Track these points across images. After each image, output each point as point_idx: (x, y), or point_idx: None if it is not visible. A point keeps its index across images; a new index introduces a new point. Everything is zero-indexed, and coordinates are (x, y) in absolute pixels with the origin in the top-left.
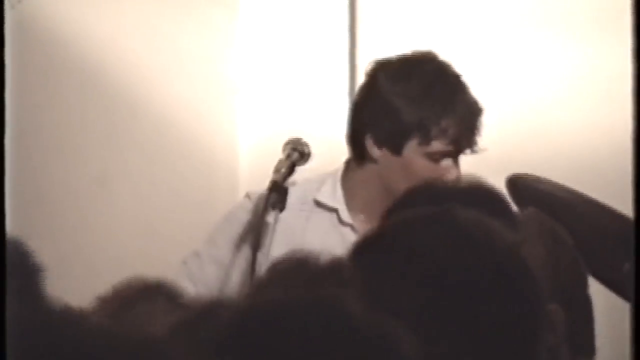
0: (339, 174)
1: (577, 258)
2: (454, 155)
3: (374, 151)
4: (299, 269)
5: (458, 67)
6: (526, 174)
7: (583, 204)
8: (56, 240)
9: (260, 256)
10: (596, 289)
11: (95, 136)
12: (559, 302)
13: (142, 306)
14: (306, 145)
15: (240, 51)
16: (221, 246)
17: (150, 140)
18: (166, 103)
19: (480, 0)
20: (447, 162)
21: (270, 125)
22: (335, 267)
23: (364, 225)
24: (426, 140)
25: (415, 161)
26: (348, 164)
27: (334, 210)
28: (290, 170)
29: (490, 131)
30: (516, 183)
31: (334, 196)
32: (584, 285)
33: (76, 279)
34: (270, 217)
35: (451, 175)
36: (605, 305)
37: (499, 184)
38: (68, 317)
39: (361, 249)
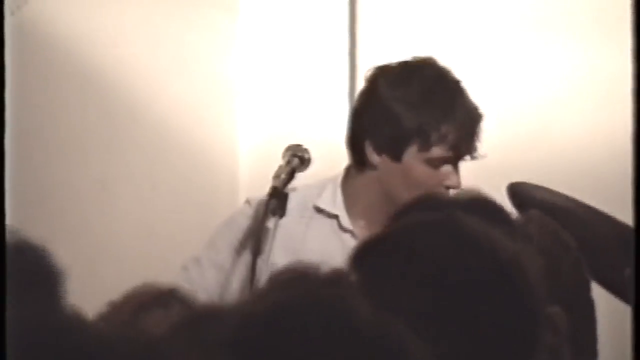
0: (339, 180)
1: (579, 260)
2: (454, 161)
3: (374, 157)
4: (299, 280)
5: (458, 72)
6: (526, 182)
7: (583, 211)
8: (57, 242)
9: (261, 262)
10: (597, 292)
11: (96, 139)
12: (562, 305)
13: (156, 312)
14: (306, 151)
15: (241, 55)
16: (221, 252)
17: (151, 143)
18: (167, 106)
19: (480, 5)
20: (446, 168)
21: (270, 129)
22: (335, 277)
23: (364, 232)
24: (426, 146)
25: (415, 167)
26: (348, 170)
27: (335, 217)
28: (290, 176)
29: (490, 136)
30: (516, 190)
31: (334, 202)
32: (587, 288)
33: (77, 281)
34: (271, 223)
35: (451, 182)
36: (607, 307)
37: (499, 189)
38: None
39: (362, 253)
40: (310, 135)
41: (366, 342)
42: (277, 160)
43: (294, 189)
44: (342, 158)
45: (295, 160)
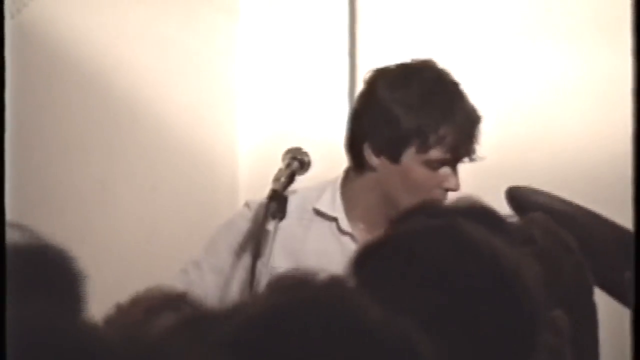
0: (338, 182)
1: (582, 263)
2: (452, 163)
3: (373, 159)
4: (298, 285)
5: (457, 74)
6: (524, 186)
7: (581, 214)
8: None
9: (260, 265)
10: (597, 295)
11: (97, 140)
12: (563, 307)
13: (166, 316)
14: (306, 154)
15: (241, 56)
16: (221, 255)
17: (152, 144)
18: (167, 107)
19: (480, 7)
20: (445, 170)
21: (270, 130)
22: (333, 282)
23: (363, 234)
24: (424, 148)
25: (413, 169)
26: (347, 172)
27: (334, 219)
28: (290, 179)
29: (490, 138)
30: (515, 194)
31: (334, 205)
32: (589, 290)
33: None
34: (270, 226)
35: (449, 184)
36: (606, 310)
37: (499, 191)
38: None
39: (363, 257)
40: (310, 137)
41: (379, 341)
42: (277, 162)
43: (293, 192)
44: (342, 160)
45: (295, 164)
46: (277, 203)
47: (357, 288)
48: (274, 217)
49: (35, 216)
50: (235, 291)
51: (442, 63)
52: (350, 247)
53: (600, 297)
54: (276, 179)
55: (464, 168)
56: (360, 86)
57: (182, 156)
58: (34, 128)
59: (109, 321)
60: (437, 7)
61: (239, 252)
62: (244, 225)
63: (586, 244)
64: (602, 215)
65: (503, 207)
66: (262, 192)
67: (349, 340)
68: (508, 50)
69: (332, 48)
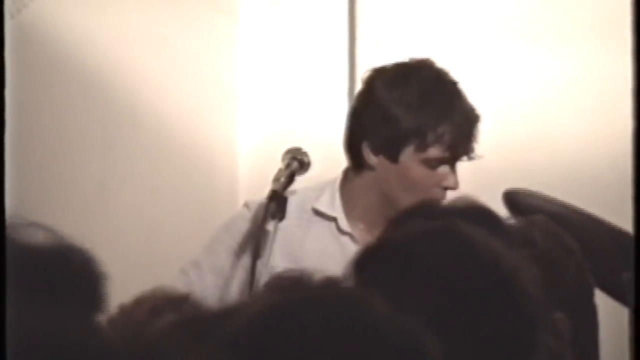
0: (338, 182)
1: (582, 265)
2: (451, 162)
3: (371, 158)
4: (295, 285)
5: (457, 73)
6: (521, 190)
7: (577, 217)
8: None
9: (260, 265)
10: (596, 295)
11: (96, 140)
12: (564, 309)
13: (170, 316)
14: (306, 154)
15: (241, 57)
16: (221, 255)
17: (152, 145)
18: (167, 108)
19: (480, 6)
20: (444, 169)
21: (270, 131)
22: (329, 284)
23: (362, 234)
24: (422, 146)
25: (412, 168)
26: (346, 172)
27: (333, 219)
28: (290, 179)
29: (489, 138)
30: (511, 198)
31: (333, 205)
32: (590, 292)
33: None
34: (270, 226)
35: (448, 182)
36: (605, 310)
37: (497, 192)
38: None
39: (363, 260)
40: (309, 138)
41: (387, 341)
42: (276, 162)
43: (293, 192)
44: (341, 161)
45: (295, 164)
46: (276, 203)
47: (355, 287)
48: (273, 218)
49: (35, 216)
50: (234, 291)
51: (441, 63)
52: (350, 247)
53: (599, 298)
54: (276, 179)
55: (464, 168)
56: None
57: (182, 156)
58: (34, 128)
59: (112, 321)
60: (436, 7)
61: (239, 253)
62: (243, 226)
63: (584, 246)
64: (598, 216)
65: (502, 208)
66: (262, 192)
67: (349, 339)
68: (507, 50)
69: (331, 48)
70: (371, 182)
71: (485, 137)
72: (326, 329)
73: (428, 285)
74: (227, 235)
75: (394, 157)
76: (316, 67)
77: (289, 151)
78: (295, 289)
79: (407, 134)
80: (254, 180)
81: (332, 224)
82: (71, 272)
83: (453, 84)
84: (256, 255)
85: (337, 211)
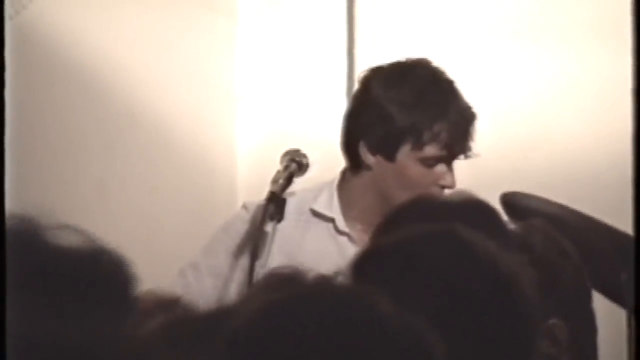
0: (336, 183)
1: (581, 270)
2: (448, 160)
3: (368, 158)
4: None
5: (456, 73)
6: (518, 192)
7: (575, 218)
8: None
9: (258, 266)
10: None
11: (95, 142)
12: (562, 314)
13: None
14: (304, 156)
15: (240, 58)
16: (219, 257)
17: (150, 146)
18: (167, 109)
19: (478, 6)
20: (441, 168)
21: (269, 132)
22: (323, 283)
23: (360, 235)
24: (419, 145)
25: (409, 167)
26: (344, 173)
27: (331, 220)
28: (288, 181)
29: (489, 138)
30: (509, 200)
31: (331, 205)
32: (588, 297)
33: None
34: (269, 228)
35: (445, 181)
36: (603, 311)
37: (497, 193)
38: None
39: (361, 263)
40: (308, 139)
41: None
42: (275, 164)
43: (291, 194)
44: (340, 162)
45: (293, 165)
46: (275, 205)
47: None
48: (272, 219)
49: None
50: (233, 293)
51: (441, 63)
52: (348, 248)
53: (597, 299)
54: (274, 181)
55: (463, 169)
56: None
57: (181, 157)
58: (35, 129)
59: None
60: (435, 7)
61: (237, 254)
62: (241, 227)
63: (582, 248)
64: (595, 218)
65: (501, 210)
66: (261, 193)
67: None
68: (507, 50)
69: (330, 50)
70: (369, 182)
71: (484, 138)
72: (325, 326)
73: (426, 288)
74: (225, 237)
75: (390, 156)
76: (315, 69)
77: (287, 153)
78: (291, 286)
79: (402, 132)
80: (252, 182)
81: (330, 225)
82: (102, 275)
83: (449, 83)
84: (254, 257)
85: (335, 212)
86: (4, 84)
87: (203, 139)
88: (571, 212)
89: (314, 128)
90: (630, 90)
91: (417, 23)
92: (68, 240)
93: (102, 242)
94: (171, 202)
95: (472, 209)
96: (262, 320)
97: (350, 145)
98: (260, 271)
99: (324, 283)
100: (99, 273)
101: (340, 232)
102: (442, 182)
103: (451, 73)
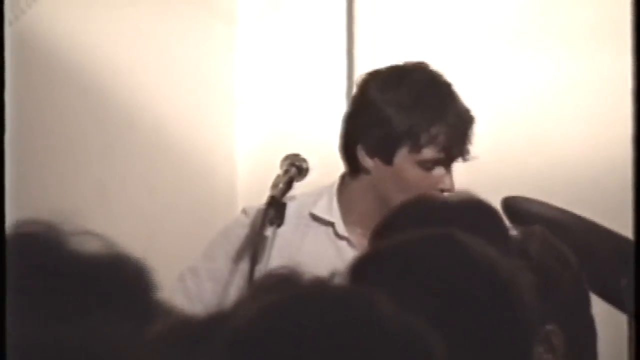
0: (335, 187)
1: (580, 277)
2: (446, 163)
3: (366, 161)
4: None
5: (455, 77)
6: (519, 196)
7: (576, 223)
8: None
9: (258, 271)
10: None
11: (94, 145)
12: (560, 322)
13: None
14: (304, 160)
15: (239, 62)
16: (219, 262)
17: (150, 150)
18: (166, 112)
19: (478, 10)
20: (439, 171)
21: (268, 136)
22: (321, 284)
23: (360, 239)
24: (416, 147)
25: (407, 170)
26: (343, 177)
27: (330, 224)
28: (288, 186)
29: (488, 143)
30: (510, 204)
31: (330, 210)
32: (587, 304)
33: None
34: (268, 232)
35: (444, 184)
36: (602, 317)
37: (496, 197)
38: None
39: (359, 267)
40: (308, 144)
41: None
42: (275, 168)
43: (291, 198)
44: (340, 166)
45: (293, 170)
46: (275, 209)
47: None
48: (272, 224)
49: (35, 217)
50: (233, 298)
51: (440, 66)
52: (347, 252)
53: (598, 304)
54: (274, 186)
55: (463, 173)
56: None
57: (181, 161)
58: (34, 131)
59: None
60: (435, 10)
61: (237, 259)
62: (241, 232)
63: (582, 252)
64: (597, 222)
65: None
66: (260, 198)
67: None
68: (506, 51)
69: (330, 54)
70: (368, 185)
71: (483, 140)
72: (324, 326)
73: (423, 293)
74: (225, 241)
75: (388, 159)
76: (314, 73)
77: (287, 157)
78: (289, 286)
79: (400, 135)
80: (252, 187)
81: (330, 229)
82: (124, 281)
83: (447, 86)
84: (254, 261)
85: (335, 216)
86: (4, 85)
87: (203, 143)
88: (572, 216)
89: (313, 132)
90: (630, 92)
91: (416, 27)
92: (90, 246)
93: (123, 249)
94: (171, 205)
95: (473, 209)
96: (262, 321)
97: (348, 148)
98: (259, 276)
99: (322, 283)
100: (120, 279)
101: (340, 237)
102: (441, 186)
103: (451, 75)
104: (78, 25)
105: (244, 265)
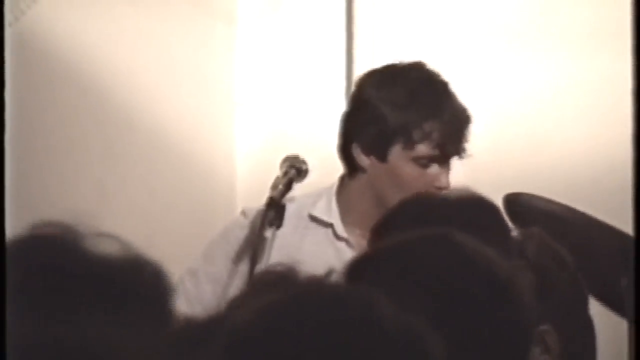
0: (334, 188)
1: (577, 279)
2: (441, 160)
3: (362, 159)
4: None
5: (454, 75)
6: (522, 192)
7: (579, 220)
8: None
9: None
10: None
11: (94, 147)
12: (556, 323)
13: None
14: (304, 162)
15: (239, 63)
16: (218, 263)
17: (149, 151)
18: (165, 114)
19: (478, 10)
20: (435, 169)
21: (268, 138)
22: (320, 283)
23: (359, 240)
24: (410, 144)
25: (401, 167)
26: (342, 178)
27: (329, 225)
28: (288, 187)
29: (487, 142)
30: (512, 201)
31: (329, 211)
32: (584, 306)
33: None
34: (268, 234)
35: (440, 182)
36: (604, 316)
37: (496, 197)
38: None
39: (357, 268)
40: (307, 145)
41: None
42: (274, 169)
43: (291, 199)
44: (339, 168)
45: (293, 172)
46: (274, 211)
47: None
48: (271, 225)
49: (34, 218)
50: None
51: (439, 65)
52: (346, 253)
53: (597, 305)
54: (274, 187)
55: (462, 172)
56: None
57: (180, 163)
58: (34, 131)
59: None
60: (434, 10)
61: (236, 260)
62: (240, 233)
63: (583, 249)
64: (602, 220)
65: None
66: (260, 199)
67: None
68: (506, 51)
69: (329, 55)
70: (365, 185)
71: (483, 140)
72: (323, 325)
73: (421, 293)
74: (224, 243)
75: (382, 156)
76: (314, 74)
77: (286, 159)
78: (287, 285)
79: (393, 131)
80: (251, 187)
81: (329, 230)
82: (142, 284)
83: (443, 85)
84: (254, 263)
85: (334, 217)
86: (4, 85)
87: (202, 144)
88: (574, 212)
89: (313, 134)
90: (630, 92)
91: (416, 28)
92: (107, 248)
93: (141, 252)
94: (171, 205)
95: (473, 206)
96: (261, 321)
97: (344, 147)
98: (257, 274)
99: (320, 283)
100: (138, 282)
101: (339, 238)
102: (437, 184)
103: (451, 75)
104: (78, 26)
105: (243, 267)
